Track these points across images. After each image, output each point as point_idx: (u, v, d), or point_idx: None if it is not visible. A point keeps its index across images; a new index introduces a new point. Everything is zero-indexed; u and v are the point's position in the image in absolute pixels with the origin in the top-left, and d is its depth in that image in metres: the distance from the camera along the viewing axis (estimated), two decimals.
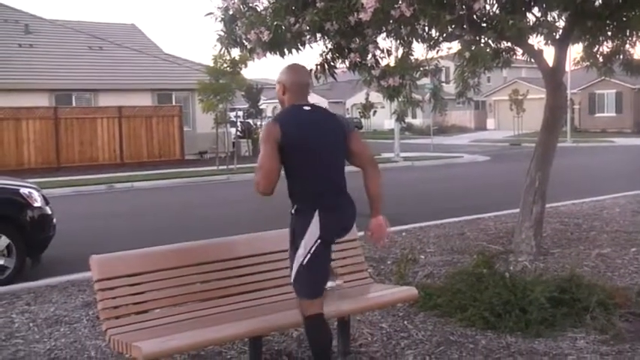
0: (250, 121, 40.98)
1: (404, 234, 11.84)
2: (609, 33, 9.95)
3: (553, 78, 10.04)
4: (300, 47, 8.18)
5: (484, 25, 8.67)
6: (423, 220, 13.30)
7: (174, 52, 78.52)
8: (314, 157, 4.95)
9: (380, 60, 8.50)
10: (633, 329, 6.42)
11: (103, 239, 13.14)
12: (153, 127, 34.05)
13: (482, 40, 9.44)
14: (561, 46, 9.98)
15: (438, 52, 9.48)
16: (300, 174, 4.96)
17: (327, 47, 8.62)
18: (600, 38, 10.26)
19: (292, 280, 5.03)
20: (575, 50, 11.46)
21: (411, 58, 8.91)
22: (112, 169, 30.65)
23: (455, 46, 10.06)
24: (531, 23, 9.15)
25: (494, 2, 8.65)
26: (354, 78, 9.32)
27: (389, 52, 8.65)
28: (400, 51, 8.95)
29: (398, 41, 8.79)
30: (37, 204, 10.27)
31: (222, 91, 29.29)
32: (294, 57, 8.10)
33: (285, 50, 8.10)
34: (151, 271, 5.24)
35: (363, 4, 7.11)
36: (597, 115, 65.30)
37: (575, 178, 22.22)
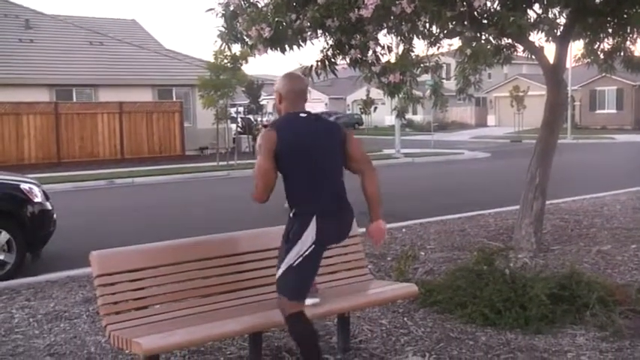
0: (251, 116, 41.00)
1: (404, 230, 11.84)
2: (610, 30, 9.95)
3: (554, 75, 10.04)
4: (301, 43, 8.18)
5: (485, 21, 8.66)
6: (424, 217, 13.30)
7: (175, 48, 78.56)
8: (311, 163, 4.97)
9: (381, 56, 8.50)
10: (633, 326, 6.41)
11: (103, 235, 13.15)
12: (153, 123, 34.02)
13: (483, 37, 9.45)
14: (562, 43, 9.98)
15: (438, 48, 9.48)
16: (298, 180, 4.96)
17: (327, 44, 8.61)
18: (601, 35, 10.26)
19: (277, 277, 5.03)
20: (576, 47, 11.46)
21: (412, 54, 8.91)
22: (113, 164, 30.63)
23: (456, 42, 10.07)
24: (532, 20, 9.15)
25: None
26: (355, 74, 9.31)
27: (389, 49, 8.64)
28: (401, 47, 8.95)
29: (399, 38, 8.80)
30: (38, 199, 10.27)
31: (222, 87, 29.29)
32: (295, 53, 8.11)
33: (286, 46, 8.09)
34: (151, 267, 5.24)
35: (364, 1, 7.11)
36: (598, 111, 65.28)
37: (576, 175, 22.23)
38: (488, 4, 8.53)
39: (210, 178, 26.24)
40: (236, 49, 9.21)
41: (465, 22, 8.26)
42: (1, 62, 32.86)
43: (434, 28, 8.67)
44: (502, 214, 13.34)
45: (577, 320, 6.58)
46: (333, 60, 8.73)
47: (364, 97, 64.73)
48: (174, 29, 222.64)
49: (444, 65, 10.12)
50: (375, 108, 65.81)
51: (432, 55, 9.45)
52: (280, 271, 4.98)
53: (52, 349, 6.33)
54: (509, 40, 10.05)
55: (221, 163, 29.43)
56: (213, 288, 5.49)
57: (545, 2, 9.03)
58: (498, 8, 8.62)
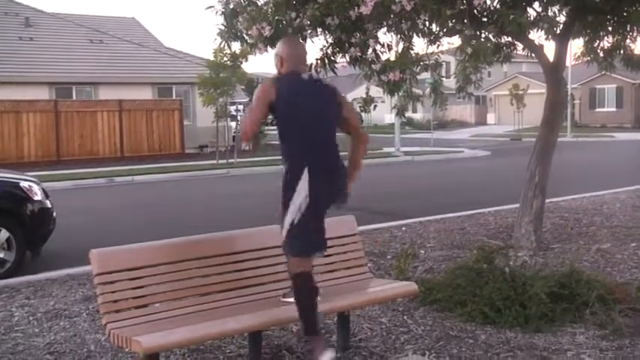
0: None
1: (404, 229, 11.85)
2: (610, 28, 9.94)
3: (553, 73, 10.03)
4: (301, 42, 8.17)
5: (485, 19, 8.66)
6: (423, 215, 13.31)
7: (175, 46, 78.46)
8: (307, 121, 5.12)
9: (380, 54, 8.49)
10: (633, 324, 6.41)
11: (102, 233, 13.15)
12: (153, 121, 34.03)
13: (483, 35, 9.44)
14: (562, 41, 9.98)
15: (438, 46, 9.47)
16: (293, 136, 5.12)
17: (327, 42, 8.60)
18: (601, 33, 10.25)
19: (282, 240, 5.17)
20: (576, 45, 11.46)
21: (412, 52, 8.90)
22: (112, 162, 30.64)
23: (456, 40, 10.07)
24: (532, 18, 9.14)
25: None
26: (355, 72, 9.31)
27: (389, 47, 8.63)
28: (401, 45, 8.94)
29: (398, 36, 8.78)
30: (37, 197, 10.27)
31: (222, 85, 29.31)
32: None
33: None
34: (151, 265, 5.24)
35: None
36: (597, 109, 65.29)
37: (576, 173, 22.24)
38: (488, 2, 8.53)
39: (210, 176, 26.25)
40: (236, 47, 9.22)
41: (465, 20, 8.26)
42: (1, 60, 32.84)
43: (434, 26, 8.67)
44: (502, 213, 13.34)
45: (577, 319, 6.58)
46: (332, 58, 8.72)
47: (364, 96, 64.43)
48: (174, 27, 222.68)
49: (444, 63, 10.12)
50: (375, 106, 64.95)
51: (432, 53, 9.45)
52: (284, 232, 5.10)
53: (51, 347, 6.33)
54: (509, 39, 10.04)
55: (221, 162, 29.43)
56: (213, 286, 5.49)
57: (545, 0, 9.02)
58: (498, 6, 8.62)
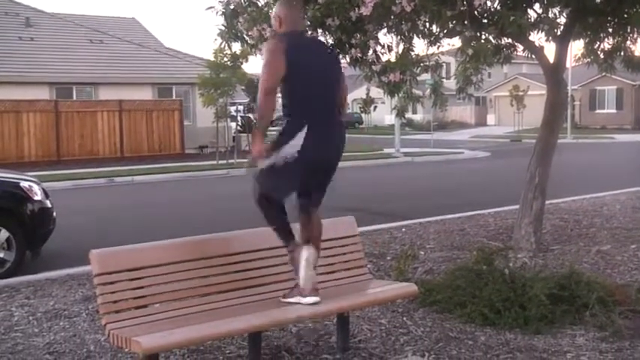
0: (251, 115, 40.93)
1: (404, 230, 11.85)
2: (610, 29, 9.95)
3: (554, 74, 10.04)
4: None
5: (485, 21, 8.67)
6: (423, 216, 13.31)
7: (175, 46, 78.44)
8: (312, 81, 5.12)
9: (381, 55, 8.50)
10: (633, 326, 6.41)
11: (102, 233, 13.15)
12: (153, 121, 34.04)
13: (483, 37, 9.44)
14: (562, 43, 9.98)
15: (438, 47, 9.47)
16: (297, 93, 5.10)
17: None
18: (601, 35, 10.26)
19: (260, 168, 5.23)
20: (576, 47, 11.46)
21: (412, 53, 8.90)
22: (112, 162, 30.64)
23: (456, 42, 10.07)
24: (532, 19, 9.14)
25: None
26: (355, 73, 9.31)
27: (390, 48, 8.64)
28: (401, 47, 8.94)
29: (399, 37, 8.79)
30: (37, 197, 10.27)
31: (222, 86, 29.32)
32: None
33: None
34: (150, 266, 5.23)
35: (363, 0, 7.12)
36: (598, 111, 65.32)
37: (575, 175, 22.23)
38: (489, 3, 8.54)
39: (210, 177, 26.25)
40: (236, 47, 9.21)
41: (465, 22, 8.26)
42: (2, 60, 32.85)
43: (434, 28, 8.68)
44: (501, 214, 13.34)
45: (576, 320, 6.58)
46: None
47: (364, 96, 64.63)
48: (175, 27, 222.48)
49: (444, 64, 10.12)
50: (375, 107, 65.55)
51: (432, 54, 9.45)
52: (264, 164, 5.13)
53: (51, 347, 6.33)
54: (510, 40, 10.04)
55: (221, 162, 29.44)
56: (212, 287, 5.49)
57: (546, 2, 9.03)
58: (498, 8, 8.62)
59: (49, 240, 10.53)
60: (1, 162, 26.44)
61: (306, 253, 5.31)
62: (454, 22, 8.38)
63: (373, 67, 8.48)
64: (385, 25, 8.27)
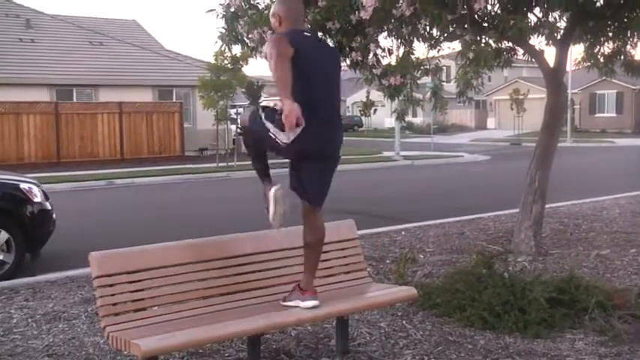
0: None
1: (403, 233, 11.84)
2: (610, 33, 9.95)
3: (554, 78, 10.04)
4: None
5: (485, 24, 8.67)
6: (423, 220, 13.30)
7: (176, 49, 78.49)
8: (313, 75, 5.08)
9: (381, 59, 8.51)
10: (632, 331, 6.41)
11: (102, 235, 13.14)
12: (153, 123, 34.06)
13: (484, 40, 9.45)
14: (562, 47, 9.98)
15: (439, 51, 9.49)
16: (297, 88, 4.94)
17: None
18: (601, 39, 10.27)
19: (254, 119, 5.31)
20: (576, 50, 11.47)
21: (412, 57, 8.91)
22: (112, 164, 30.65)
23: (456, 45, 10.07)
24: (533, 23, 9.15)
25: (496, 2, 8.65)
26: (355, 76, 9.32)
27: (390, 51, 8.65)
28: (401, 50, 8.96)
29: (399, 40, 8.80)
30: (37, 199, 10.27)
31: (222, 88, 29.32)
32: None
33: None
34: (150, 269, 5.23)
35: (363, 3, 7.12)
36: (598, 115, 65.34)
37: (575, 179, 22.23)
38: (489, 7, 8.54)
39: (210, 179, 26.26)
40: (236, 50, 9.21)
41: (466, 25, 8.26)
42: (2, 62, 32.89)
43: (434, 31, 8.68)
44: (501, 218, 13.34)
45: (576, 324, 6.58)
46: None
47: (364, 99, 64.78)
48: (175, 30, 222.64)
49: (444, 68, 10.13)
50: (375, 110, 65.83)
51: (432, 57, 9.46)
52: (257, 120, 5.21)
53: (50, 349, 6.33)
54: (510, 44, 10.06)
55: (221, 164, 29.44)
56: (212, 290, 5.48)
57: (546, 6, 9.03)
58: (499, 11, 8.63)
59: (49, 242, 10.52)
60: (0, 163, 26.46)
61: (273, 189, 5.39)
62: (454, 25, 8.38)
63: (374, 70, 8.49)
64: (385, 28, 8.28)
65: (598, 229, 11.97)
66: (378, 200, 18.38)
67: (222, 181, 26.04)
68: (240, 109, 40.04)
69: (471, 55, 9.51)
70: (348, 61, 8.64)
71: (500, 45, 10.10)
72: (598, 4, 9.17)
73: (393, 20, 7.75)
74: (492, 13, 8.62)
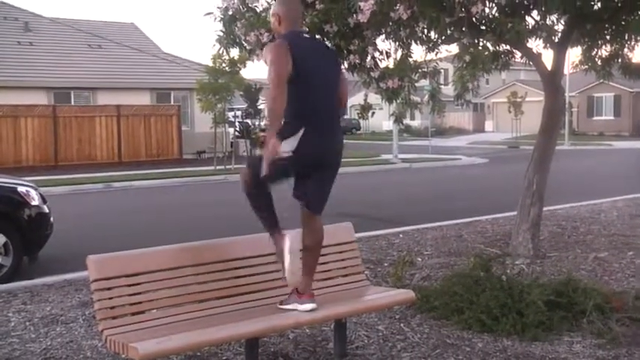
0: (249, 121, 40.93)
1: (401, 236, 11.84)
2: (608, 36, 9.97)
3: (551, 81, 10.05)
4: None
5: (483, 27, 8.68)
6: (421, 222, 13.30)
7: (174, 52, 78.57)
8: (313, 79, 5.08)
9: (379, 62, 8.51)
10: (630, 333, 6.41)
11: (99, 238, 13.13)
12: (151, 126, 34.04)
13: (481, 43, 9.45)
14: (560, 50, 9.99)
15: (436, 54, 9.48)
16: (297, 93, 5.01)
17: None
18: (599, 41, 10.28)
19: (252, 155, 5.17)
20: (574, 53, 11.48)
21: (410, 60, 8.91)
22: (110, 167, 30.62)
23: (454, 48, 10.08)
24: (530, 26, 9.16)
25: (494, 5, 8.66)
26: (353, 79, 9.31)
27: (388, 54, 8.65)
28: (399, 53, 8.95)
29: (397, 43, 8.80)
30: (35, 202, 10.26)
31: (220, 91, 29.31)
32: None
33: None
34: (148, 272, 5.23)
35: (360, 7, 7.12)
36: (595, 118, 65.38)
37: (573, 181, 22.25)
38: (487, 10, 8.54)
39: (208, 182, 26.24)
40: (234, 53, 9.20)
41: (464, 28, 8.27)
42: (0, 65, 32.85)
43: (432, 34, 8.68)
44: (499, 220, 13.34)
45: (574, 327, 6.58)
46: None
47: (362, 102, 64.80)
48: (173, 33, 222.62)
49: (442, 71, 10.13)
50: (373, 113, 65.86)
51: (430, 60, 9.46)
52: (256, 152, 5.08)
53: (48, 353, 6.32)
54: (508, 47, 10.06)
55: (218, 167, 29.44)
56: (209, 293, 5.48)
57: (544, 9, 9.03)
58: (496, 14, 8.64)
59: (47, 245, 10.51)
60: None
61: (288, 242, 5.29)
62: (452, 28, 8.39)
63: (371, 73, 8.49)
64: (383, 31, 8.28)
65: (596, 231, 11.98)
66: (376, 203, 18.37)
67: (220, 184, 26.02)
68: (238, 113, 40.13)
69: (467, 58, 9.52)
70: (346, 64, 8.63)
71: (497, 48, 10.11)
72: (596, 7, 9.18)
73: (390, 23, 7.75)
74: (490, 16, 8.63)
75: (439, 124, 67.56)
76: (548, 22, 9.52)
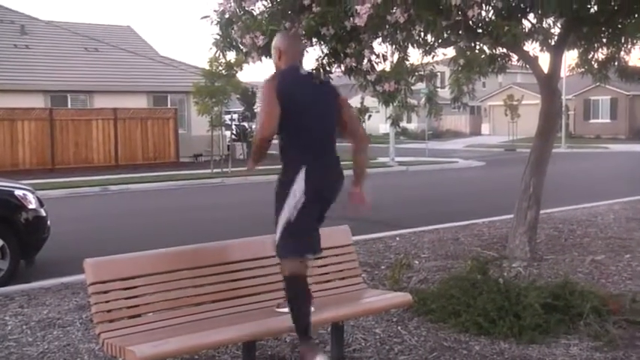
0: (245, 124, 40.97)
1: (398, 239, 11.85)
2: (604, 40, 9.97)
3: (548, 84, 10.06)
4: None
5: (480, 30, 8.68)
6: (418, 225, 13.31)
7: (170, 55, 78.40)
8: (307, 116, 5.10)
9: (375, 65, 8.50)
10: (627, 336, 6.43)
11: (96, 242, 13.12)
12: (148, 129, 34.01)
13: (478, 46, 9.45)
14: (556, 53, 10.00)
15: (433, 57, 9.48)
16: (293, 131, 5.07)
17: (322, 52, 8.60)
18: (595, 45, 10.29)
19: (276, 241, 5.13)
20: (571, 56, 11.49)
21: (407, 63, 8.91)
22: (107, 170, 30.59)
23: (450, 51, 10.07)
24: (527, 29, 9.17)
25: (490, 8, 8.66)
26: (350, 82, 9.30)
27: (384, 57, 8.63)
28: (396, 56, 8.94)
29: (393, 46, 8.79)
30: (32, 206, 10.25)
31: (217, 94, 29.30)
32: None
33: None
34: (145, 275, 5.23)
35: (357, 10, 7.12)
36: (592, 121, 65.40)
37: (570, 184, 22.26)
38: (483, 13, 8.54)
39: (205, 186, 26.23)
40: (231, 56, 9.21)
41: (460, 32, 8.26)
42: None
43: (429, 37, 8.68)
44: (496, 223, 13.35)
45: (571, 330, 6.59)
46: (328, 68, 8.71)
47: (359, 105, 64.77)
48: (170, 36, 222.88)
49: (439, 74, 10.13)
50: (370, 116, 65.73)
51: (427, 63, 9.46)
52: (278, 233, 5.07)
53: (45, 356, 6.32)
54: (504, 50, 10.07)
55: (215, 171, 29.43)
56: (206, 296, 5.48)
57: (540, 12, 9.03)
58: (493, 18, 8.64)
59: (44, 248, 10.50)
60: None
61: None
62: (449, 31, 8.38)
63: (368, 76, 8.47)
64: (380, 34, 8.27)
65: (593, 234, 12.00)
66: (373, 206, 18.22)
67: (217, 187, 26.02)
68: (235, 116, 40.14)
69: (461, 61, 9.53)
70: (343, 67, 8.63)
71: (494, 51, 10.11)
72: (592, 11, 9.20)
73: (387, 26, 7.74)
74: (487, 19, 8.62)
75: (436, 127, 67.52)
76: (544, 25, 9.53)
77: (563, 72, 12.94)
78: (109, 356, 5.39)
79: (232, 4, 8.06)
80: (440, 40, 8.91)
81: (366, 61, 8.32)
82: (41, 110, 31.80)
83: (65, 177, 27.54)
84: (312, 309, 5.34)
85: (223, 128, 34.21)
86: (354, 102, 65.30)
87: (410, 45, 8.75)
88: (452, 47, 9.80)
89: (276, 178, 5.16)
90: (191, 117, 35.82)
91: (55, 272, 9.94)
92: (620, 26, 9.24)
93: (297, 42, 5.55)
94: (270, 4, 8.10)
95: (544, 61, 10.22)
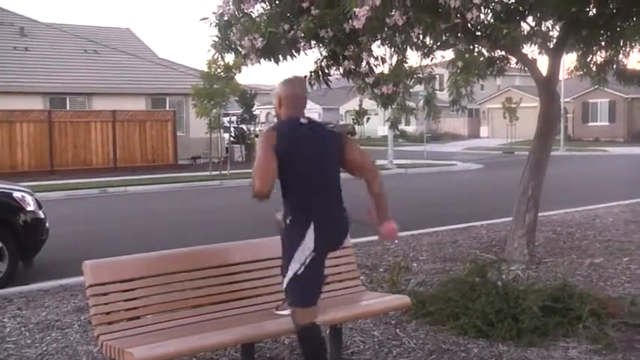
0: (244, 126, 40.95)
1: (396, 241, 11.82)
2: (603, 42, 9.98)
3: (547, 87, 10.06)
4: (295, 54, 8.17)
5: (478, 33, 8.69)
6: (416, 228, 13.28)
7: (169, 57, 78.52)
8: (309, 169, 4.98)
9: (374, 67, 8.50)
10: (626, 339, 6.42)
11: (95, 244, 13.12)
12: (146, 132, 34.02)
13: (477, 49, 9.46)
14: (555, 55, 10.01)
15: (432, 60, 9.50)
16: (296, 185, 4.97)
17: (321, 54, 8.61)
18: (594, 48, 10.30)
19: (284, 287, 5.05)
20: (569, 59, 11.51)
21: (405, 65, 8.91)
22: (106, 173, 30.57)
23: (449, 54, 10.09)
24: (525, 32, 9.17)
25: (489, 11, 8.67)
26: (348, 85, 9.31)
27: (383, 60, 8.64)
28: (394, 59, 8.95)
29: (392, 49, 8.80)
30: (30, 208, 10.25)
31: (216, 96, 29.28)
32: (288, 63, 8.08)
33: (280, 57, 8.09)
34: (143, 277, 5.23)
35: (356, 12, 7.13)
36: (590, 123, 65.44)
37: (568, 187, 22.26)
38: (482, 16, 8.55)
39: (203, 188, 26.22)
40: (229, 58, 9.21)
41: (459, 34, 8.27)
42: None
43: (427, 40, 8.69)
44: (494, 226, 13.35)
45: (569, 333, 6.58)
46: (326, 71, 8.73)
47: (357, 108, 64.72)
48: (169, 38, 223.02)
49: (437, 76, 10.14)
50: (368, 118, 65.68)
51: (426, 66, 9.47)
52: (286, 281, 4.98)
53: (43, 358, 6.32)
54: (503, 52, 10.08)
55: (214, 173, 29.41)
56: (205, 298, 5.48)
57: (539, 15, 9.06)
58: (492, 20, 8.65)
59: (42, 250, 10.50)
60: None
61: None
62: (448, 34, 8.39)
63: (367, 79, 8.47)
64: (379, 37, 8.28)
65: (591, 237, 11.99)
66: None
67: (215, 189, 26.01)
68: (233, 118, 40.13)
69: (460, 64, 9.53)
70: (341, 70, 8.63)
71: (493, 54, 10.13)
72: (591, 14, 9.21)
73: (386, 29, 7.75)
74: (485, 22, 8.64)
75: (434, 129, 67.56)
76: (543, 28, 9.54)
77: (562, 75, 12.96)
78: (108, 358, 5.38)
79: (231, 6, 8.06)
80: (438, 43, 8.92)
81: (364, 63, 8.32)
82: (40, 112, 31.82)
83: (64, 179, 27.55)
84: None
85: (222, 130, 34.20)
86: (353, 104, 65.47)
87: (408, 47, 8.77)
88: (450, 50, 9.82)
89: (281, 215, 5.04)
90: (189, 119, 35.85)
91: (54, 274, 9.95)
92: (618, 29, 9.25)
93: (297, 88, 5.28)
94: (268, 7, 8.10)
95: (543, 63, 10.25)
